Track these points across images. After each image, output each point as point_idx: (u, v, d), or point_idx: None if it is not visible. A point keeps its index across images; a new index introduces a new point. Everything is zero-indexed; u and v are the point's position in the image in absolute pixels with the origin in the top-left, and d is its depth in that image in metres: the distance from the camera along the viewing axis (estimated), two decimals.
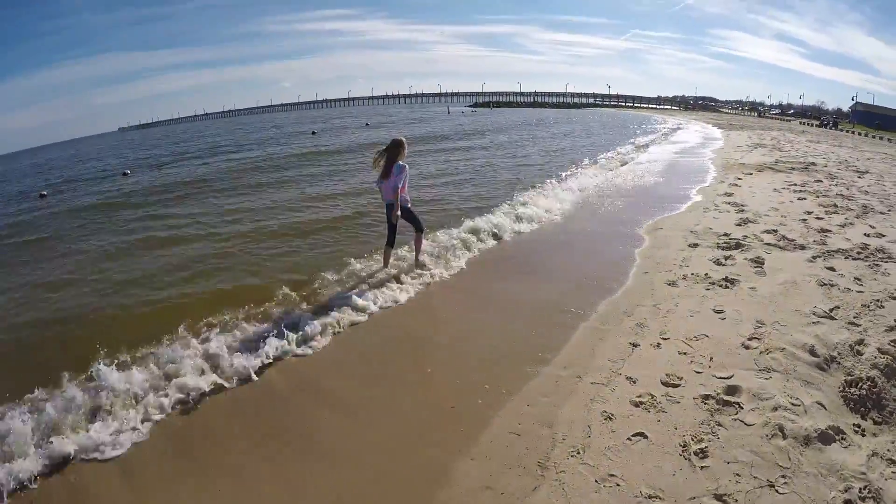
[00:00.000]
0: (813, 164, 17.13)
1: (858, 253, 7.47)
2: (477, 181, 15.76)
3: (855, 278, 6.50)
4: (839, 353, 4.76)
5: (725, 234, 8.66)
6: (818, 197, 11.52)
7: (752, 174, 15.03)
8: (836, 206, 10.56)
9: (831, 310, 5.64)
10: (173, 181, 19.55)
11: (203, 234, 11.10)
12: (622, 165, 18.68)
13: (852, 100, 72.80)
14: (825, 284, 6.32)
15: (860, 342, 4.93)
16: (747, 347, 4.98)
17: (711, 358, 4.88)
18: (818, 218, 9.57)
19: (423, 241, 7.56)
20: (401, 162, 6.82)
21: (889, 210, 10.30)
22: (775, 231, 8.67)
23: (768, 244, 8.02)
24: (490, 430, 4.14)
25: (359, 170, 18.39)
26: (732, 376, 4.52)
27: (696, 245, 8.23)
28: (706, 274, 6.91)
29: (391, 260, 7.45)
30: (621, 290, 6.85)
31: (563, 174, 15.91)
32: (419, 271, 7.26)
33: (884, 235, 8.35)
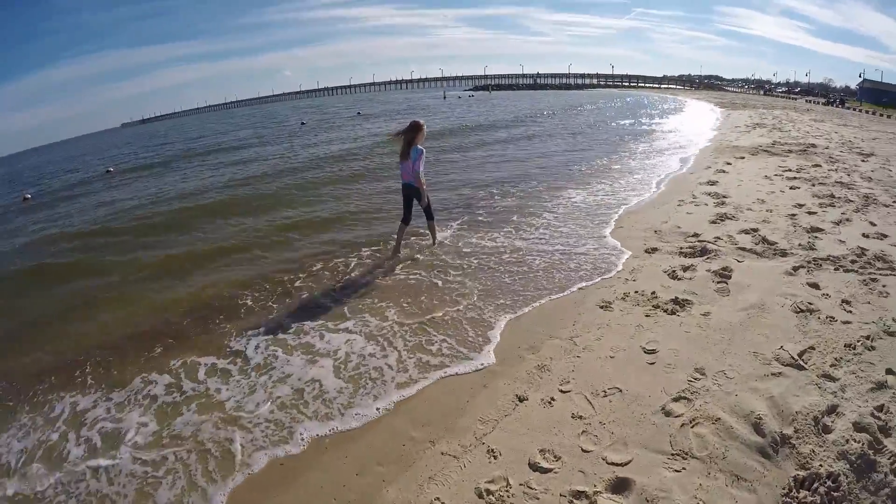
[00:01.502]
0: (813, 145, 15.35)
1: (853, 262, 5.90)
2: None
3: (843, 301, 4.94)
4: (797, 430, 3.26)
5: (694, 235, 7.11)
6: (814, 185, 9.88)
7: (743, 158, 13.35)
8: (832, 196, 8.93)
9: (802, 353, 4.10)
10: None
11: None
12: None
13: (860, 77, 69.67)
14: (802, 311, 4.77)
15: (832, 410, 3.40)
16: (668, 414, 3.53)
17: (612, 431, 3.40)
18: (810, 212, 7.95)
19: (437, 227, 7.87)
20: (419, 146, 6.94)
21: (894, 202, 8.61)
22: (755, 231, 7.09)
23: (742, 249, 6.46)
24: None
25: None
26: (630, 462, 3.16)
27: (654, 250, 6.69)
28: (653, 293, 5.39)
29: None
30: (534, 312, 5.43)
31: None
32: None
33: (886, 236, 6.75)
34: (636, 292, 5.48)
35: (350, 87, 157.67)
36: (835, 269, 5.74)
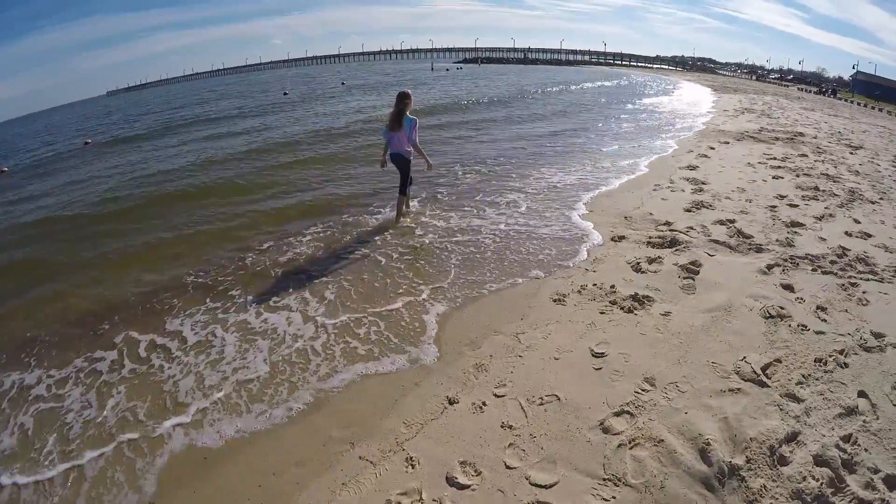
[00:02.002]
0: (801, 134, 14.87)
1: (832, 263, 5.44)
2: None
3: (818, 307, 4.48)
4: (749, 461, 2.82)
5: (666, 224, 6.60)
6: (798, 176, 9.40)
7: (728, 143, 12.82)
8: (817, 188, 8.46)
9: (767, 367, 3.62)
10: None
11: None
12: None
13: (853, 68, 69.31)
14: (772, 317, 4.30)
15: (792, 438, 2.95)
16: (606, 430, 3.09)
17: (542, 447, 3.01)
18: (791, 205, 7.47)
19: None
20: (409, 115, 6.88)
21: (881, 198, 8.20)
22: (731, 222, 6.59)
23: (715, 241, 5.97)
24: None
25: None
26: (555, 484, 2.77)
27: (621, 238, 6.17)
28: (612, 287, 4.88)
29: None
30: (482, 302, 4.96)
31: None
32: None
33: (870, 236, 6.29)
34: (594, 285, 4.97)
35: (339, 56, 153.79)
36: (812, 270, 5.27)
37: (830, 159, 11.26)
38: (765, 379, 3.51)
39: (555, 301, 4.74)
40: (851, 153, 12.45)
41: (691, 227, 6.40)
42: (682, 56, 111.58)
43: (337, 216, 7.73)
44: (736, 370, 3.61)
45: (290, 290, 5.41)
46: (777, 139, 13.62)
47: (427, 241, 6.47)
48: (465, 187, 9.20)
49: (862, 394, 3.39)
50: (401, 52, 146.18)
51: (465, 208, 7.84)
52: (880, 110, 36.48)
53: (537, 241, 6.29)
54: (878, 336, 4.05)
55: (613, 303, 4.62)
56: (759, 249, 5.77)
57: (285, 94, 36.60)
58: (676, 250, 5.72)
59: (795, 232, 6.36)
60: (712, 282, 4.96)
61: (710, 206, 7.35)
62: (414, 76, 50.98)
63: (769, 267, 5.28)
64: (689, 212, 7.11)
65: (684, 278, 5.05)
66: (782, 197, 7.91)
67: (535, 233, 6.60)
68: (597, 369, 3.71)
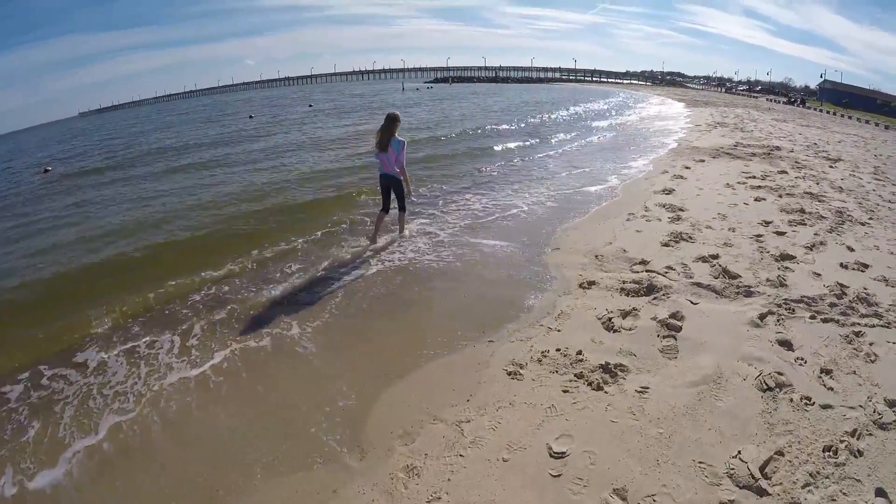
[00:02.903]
0: (777, 148, 14.44)
1: (832, 305, 4.74)
2: None
3: (822, 371, 3.74)
4: None
5: (642, 263, 5.86)
6: (781, 196, 8.79)
7: (703, 161, 12.27)
8: (803, 211, 7.82)
9: (766, 464, 2.86)
10: None
11: None
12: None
13: (821, 77, 70.71)
14: (769, 389, 3.53)
15: None
16: None
17: None
18: (778, 232, 6.80)
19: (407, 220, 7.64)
20: (399, 137, 6.89)
21: (871, 217, 7.59)
22: (715, 259, 5.89)
23: (698, 285, 5.22)
24: None
25: None
26: None
27: (590, 285, 5.40)
28: (579, 353, 4.09)
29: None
30: (422, 374, 4.14)
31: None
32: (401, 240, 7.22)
33: (867, 266, 5.62)
34: (558, 350, 4.17)
35: (310, 76, 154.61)
36: (811, 318, 4.55)
37: (811, 175, 10.73)
38: (764, 484, 2.74)
39: (510, 374, 3.93)
40: (831, 167, 11.98)
41: (670, 268, 5.66)
42: (652, 71, 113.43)
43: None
44: (729, 472, 2.82)
45: (202, 337, 4.47)
46: (754, 155, 13.14)
47: (362, 287, 5.60)
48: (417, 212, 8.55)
49: (881, 493, 2.65)
50: (372, 72, 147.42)
51: (418, 244, 7.02)
52: (850, 118, 36.67)
53: (493, 289, 5.46)
54: (892, 404, 3.31)
55: (579, 376, 3.81)
56: (748, 293, 5.04)
57: (250, 117, 35.73)
58: (655, 299, 4.96)
59: (786, 267, 5.66)
60: (697, 340, 4.19)
61: (690, 237, 6.64)
62: (384, 98, 50.09)
63: (762, 317, 4.54)
64: (666, 246, 6.38)
65: (664, 337, 4.28)
66: (767, 223, 7.25)
67: (493, 277, 5.80)
68: (555, 477, 2.90)
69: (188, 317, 5.32)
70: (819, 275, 5.46)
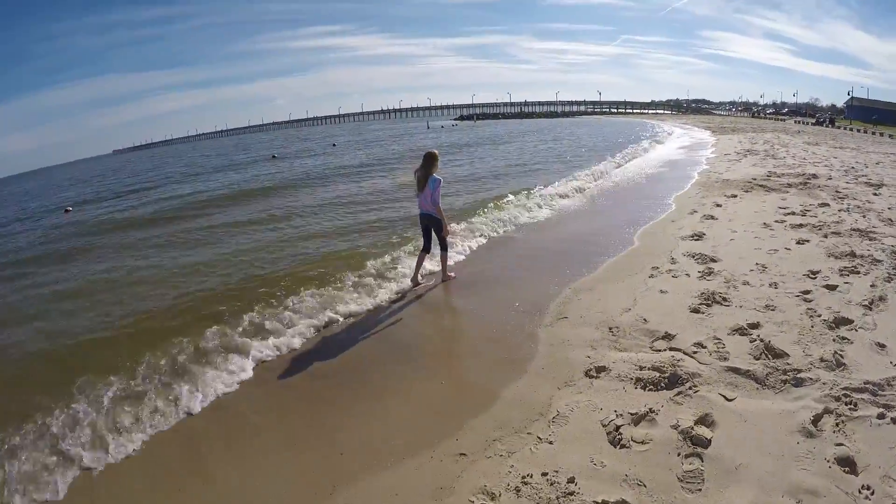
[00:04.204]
0: (814, 176, 13.25)
1: None
2: None
3: None
4: None
5: (666, 337, 4.83)
6: (826, 236, 7.64)
7: (735, 197, 11.16)
8: (853, 255, 6.71)
9: None
10: None
11: None
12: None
13: (848, 94, 68.59)
14: None
15: None
16: None
17: None
18: (829, 286, 5.71)
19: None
20: (436, 175, 6.90)
21: None
22: (755, 329, 4.84)
23: (734, 371, 4.18)
24: None
25: None
26: None
27: (599, 372, 4.41)
28: (570, 480, 3.14)
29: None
30: None
31: None
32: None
33: None
34: (544, 475, 3.21)
35: (338, 116, 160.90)
36: (878, 417, 3.45)
37: (856, 206, 9.56)
38: None
39: None
40: (875, 194, 10.76)
41: (700, 345, 4.61)
42: (677, 99, 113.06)
43: None
44: None
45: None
46: (790, 185, 11.99)
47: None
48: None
49: None
50: (399, 111, 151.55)
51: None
52: (882, 135, 35.05)
53: (474, 375, 4.50)
54: None
55: None
56: (797, 381, 3.97)
57: (274, 156, 38.40)
58: (679, 394, 3.92)
59: (843, 338, 4.57)
60: (731, 462, 3.15)
61: (725, 299, 5.59)
62: (408, 138, 49.93)
63: (816, 419, 3.46)
64: (696, 312, 5.34)
65: (687, 457, 3.23)
66: (815, 273, 6.15)
67: (474, 357, 4.82)
68: None
69: None
70: (883, 346, 4.36)
